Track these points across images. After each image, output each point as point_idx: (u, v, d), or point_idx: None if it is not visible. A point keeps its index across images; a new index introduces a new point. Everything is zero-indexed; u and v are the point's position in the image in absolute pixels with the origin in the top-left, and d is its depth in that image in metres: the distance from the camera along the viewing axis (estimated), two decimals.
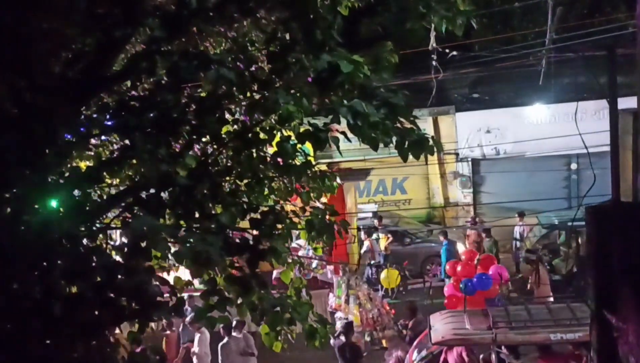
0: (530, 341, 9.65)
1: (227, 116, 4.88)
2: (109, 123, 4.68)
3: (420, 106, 18.57)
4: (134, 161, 4.78)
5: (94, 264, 4.02)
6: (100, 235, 4.51)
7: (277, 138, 4.72)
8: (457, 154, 21.11)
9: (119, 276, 4.01)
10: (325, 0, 4.87)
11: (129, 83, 5.32)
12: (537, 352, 9.83)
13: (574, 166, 20.19)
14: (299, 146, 4.62)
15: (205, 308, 4.49)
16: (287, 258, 4.97)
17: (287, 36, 4.66)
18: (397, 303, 14.75)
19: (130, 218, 4.28)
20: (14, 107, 4.05)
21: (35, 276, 3.97)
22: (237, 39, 5.64)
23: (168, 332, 12.32)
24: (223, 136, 4.75)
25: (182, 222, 4.40)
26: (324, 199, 5.82)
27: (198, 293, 4.79)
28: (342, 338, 11.13)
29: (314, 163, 5.07)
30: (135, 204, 4.44)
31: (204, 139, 4.85)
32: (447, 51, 17.43)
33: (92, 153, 5.76)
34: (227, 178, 4.87)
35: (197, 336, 11.84)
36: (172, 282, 4.70)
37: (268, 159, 4.80)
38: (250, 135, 4.69)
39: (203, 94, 4.77)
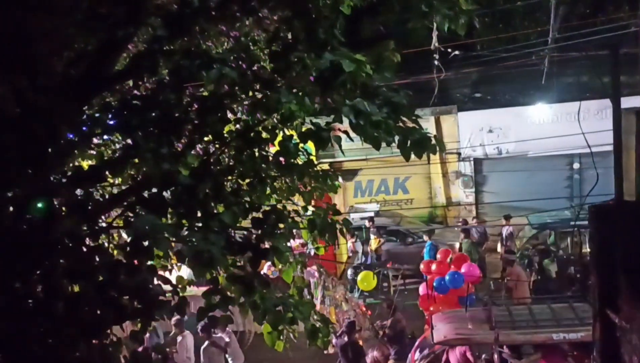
0: (533, 341, 9.63)
1: (230, 115, 4.88)
2: (111, 122, 4.70)
3: (423, 105, 18.57)
4: (136, 161, 4.78)
5: (96, 263, 4.03)
6: (103, 234, 4.51)
7: (280, 137, 4.72)
8: (459, 154, 21.11)
9: (121, 276, 4.01)
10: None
11: (131, 82, 5.32)
12: (539, 351, 9.81)
13: (576, 165, 20.12)
14: (301, 145, 4.62)
15: (207, 307, 4.49)
16: (289, 257, 4.97)
17: (290, 35, 4.66)
18: (378, 304, 14.61)
19: (132, 217, 4.27)
20: (16, 106, 4.04)
21: (37, 276, 3.97)
22: (239, 38, 5.64)
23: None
24: (225, 135, 4.75)
25: (184, 221, 4.40)
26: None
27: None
28: (345, 337, 11.12)
29: (316, 162, 5.07)
30: (138, 203, 4.43)
31: (206, 139, 4.85)
32: (449, 50, 17.39)
33: (95, 152, 5.75)
34: (229, 177, 4.86)
35: (177, 340, 11.28)
36: (174, 281, 4.71)
37: (270, 158, 4.80)
38: (252, 134, 4.69)
39: (205, 94, 4.77)
